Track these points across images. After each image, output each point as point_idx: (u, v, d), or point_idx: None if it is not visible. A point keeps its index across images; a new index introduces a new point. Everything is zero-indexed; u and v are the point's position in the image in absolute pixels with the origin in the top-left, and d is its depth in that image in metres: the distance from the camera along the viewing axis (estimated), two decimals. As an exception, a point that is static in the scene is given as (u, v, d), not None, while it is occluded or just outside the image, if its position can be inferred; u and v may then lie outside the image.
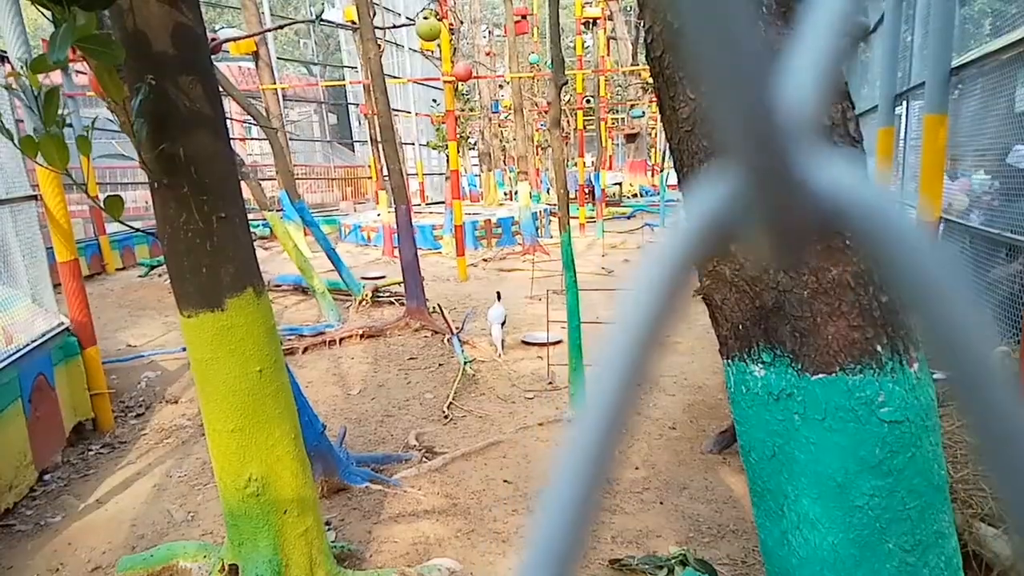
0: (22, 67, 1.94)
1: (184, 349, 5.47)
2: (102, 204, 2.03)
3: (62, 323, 4.32)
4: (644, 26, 1.87)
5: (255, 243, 2.48)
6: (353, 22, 9.94)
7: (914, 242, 0.20)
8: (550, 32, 4.15)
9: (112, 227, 10.97)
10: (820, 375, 1.50)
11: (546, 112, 21.46)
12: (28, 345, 3.86)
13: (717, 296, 1.72)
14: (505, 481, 3.64)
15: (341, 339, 6.34)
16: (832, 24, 0.23)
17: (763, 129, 0.18)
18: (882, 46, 6.24)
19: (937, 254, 0.20)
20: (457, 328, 6.32)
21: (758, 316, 1.63)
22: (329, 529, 3.16)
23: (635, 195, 23.67)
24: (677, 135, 1.81)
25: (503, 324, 6.05)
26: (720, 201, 0.20)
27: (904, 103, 6.18)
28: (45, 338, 4.06)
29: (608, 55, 20.32)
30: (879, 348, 1.46)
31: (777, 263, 1.61)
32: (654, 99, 2.12)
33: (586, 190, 16.67)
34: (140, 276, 10.24)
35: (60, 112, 1.99)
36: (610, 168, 24.12)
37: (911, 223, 0.20)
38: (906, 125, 6.09)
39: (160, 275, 10.02)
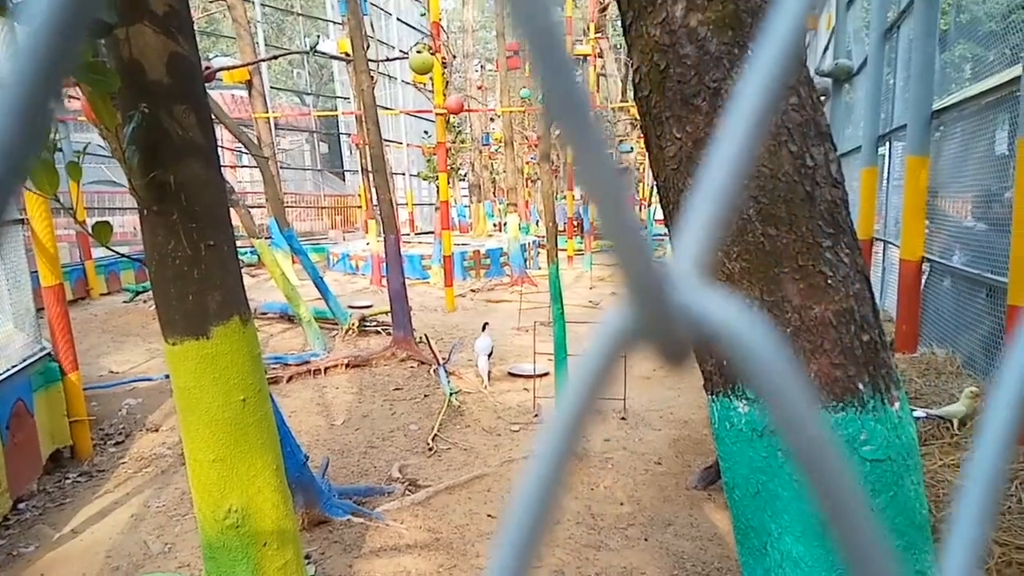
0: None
1: (167, 376, 5.42)
2: (90, 230, 2.03)
3: (44, 348, 4.27)
4: (632, 66, 1.92)
5: (243, 270, 2.48)
6: (347, 54, 10.06)
7: (767, 355, 0.25)
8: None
9: (98, 252, 10.91)
10: (803, 412, 1.51)
11: (536, 145, 21.70)
12: (8, 371, 3.81)
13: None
14: (489, 516, 3.61)
15: (326, 368, 6.30)
16: (718, 193, 0.27)
17: (646, 281, 0.24)
18: (865, 88, 6.39)
19: (780, 361, 0.25)
20: (443, 359, 6.30)
21: (742, 352, 1.64)
22: (309, 563, 3.10)
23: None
24: (664, 172, 1.84)
25: (490, 355, 6.04)
26: (618, 328, 0.25)
27: (887, 144, 6.31)
28: (26, 363, 4.00)
29: (598, 91, 20.63)
30: (861, 386, 1.47)
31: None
32: (643, 136, 2.20)
33: (575, 223, 16.79)
34: (125, 301, 10.16)
35: (52, 137, 2.00)
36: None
37: (765, 341, 0.24)
38: (889, 165, 6.21)
39: (145, 301, 9.94)
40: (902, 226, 4.29)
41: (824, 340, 1.52)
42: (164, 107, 2.00)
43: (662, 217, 1.90)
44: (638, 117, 1.97)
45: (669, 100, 1.70)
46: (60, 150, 2.08)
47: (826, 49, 9.61)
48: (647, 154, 1.99)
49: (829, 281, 1.55)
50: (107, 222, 2.03)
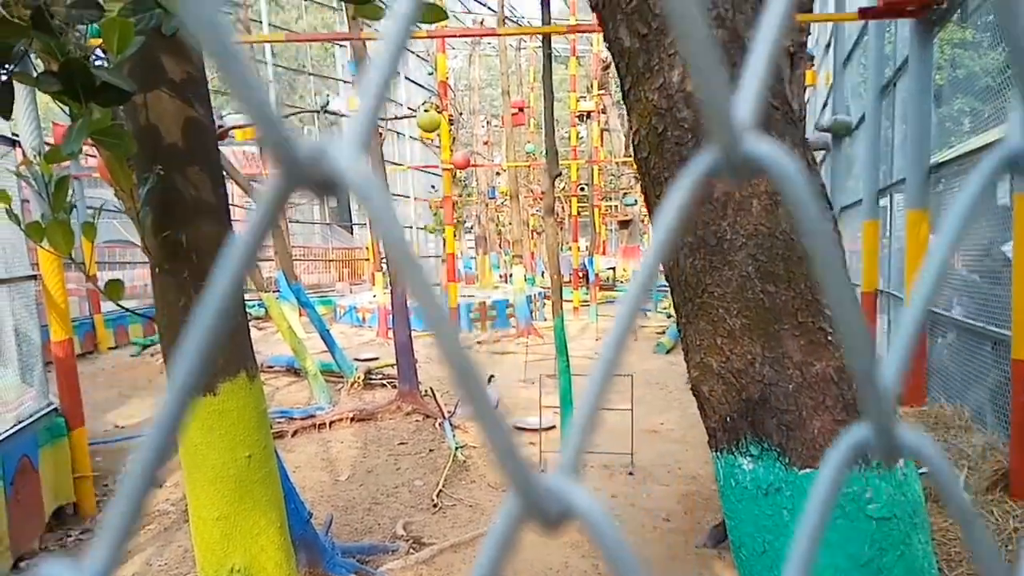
0: (35, 156, 2.03)
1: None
2: (102, 288, 2.07)
3: (51, 403, 4.28)
4: (631, 129, 1.98)
5: (250, 323, 2.51)
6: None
7: (803, 191, 0.31)
8: (545, 126, 4.34)
9: (107, 305, 11.00)
10: (807, 469, 1.51)
11: (541, 199, 21.98)
12: (14, 426, 3.82)
13: (705, 387, 1.75)
14: None
15: (331, 422, 6.27)
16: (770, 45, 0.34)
17: (727, 122, 0.30)
18: (864, 143, 6.49)
19: (813, 193, 0.31)
20: (449, 412, 6.27)
21: (745, 409, 1.65)
22: (311, 623, 3.04)
23: (629, 280, 23.94)
24: (664, 231, 1.87)
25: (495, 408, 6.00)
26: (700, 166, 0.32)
27: (888, 196, 6.39)
28: (32, 419, 4.01)
29: (602, 145, 20.98)
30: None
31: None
32: (643, 195, 2.27)
33: (580, 274, 16.87)
34: (132, 355, 10.19)
35: (68, 199, 2.06)
36: (604, 253, 24.48)
37: (804, 178, 0.30)
38: (891, 217, 6.27)
39: (152, 354, 9.97)
40: (905, 279, 4.31)
41: (826, 396, 1.52)
42: (179, 169, 2.06)
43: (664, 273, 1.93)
44: (638, 176, 2.03)
45: (667, 161, 1.75)
46: (75, 207, 2.14)
47: (825, 105, 9.80)
48: (647, 213, 2.04)
49: (829, 337, 1.57)
50: (119, 281, 2.08)
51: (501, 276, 21.36)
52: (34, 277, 4.40)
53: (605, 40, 1.99)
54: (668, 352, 10.21)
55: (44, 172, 1.91)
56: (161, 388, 6.84)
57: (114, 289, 2.01)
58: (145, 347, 10.40)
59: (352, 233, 23.84)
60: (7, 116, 1.77)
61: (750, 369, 1.62)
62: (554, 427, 5.84)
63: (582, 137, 19.54)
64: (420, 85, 22.94)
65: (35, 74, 1.83)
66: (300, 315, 9.85)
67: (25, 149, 3.68)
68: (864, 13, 4.41)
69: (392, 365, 7.61)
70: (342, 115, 11.54)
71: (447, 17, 1.73)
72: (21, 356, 4.37)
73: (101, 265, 12.78)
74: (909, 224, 4.31)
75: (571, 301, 15.38)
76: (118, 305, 2.19)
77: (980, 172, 0.34)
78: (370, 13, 1.70)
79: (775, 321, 1.61)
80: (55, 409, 4.28)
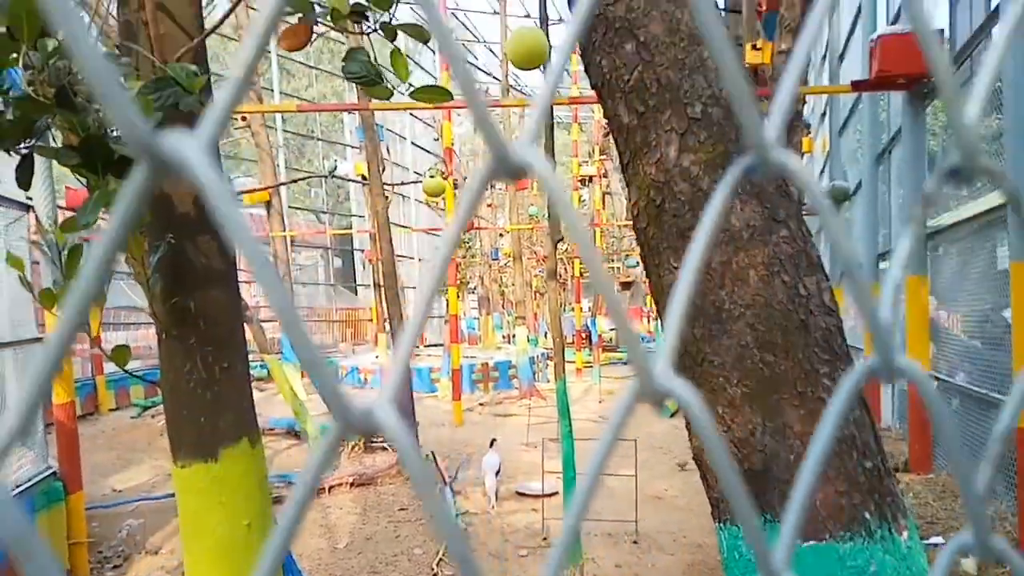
0: (50, 224, 2.08)
1: (169, 496, 5.33)
2: (108, 353, 2.09)
3: (49, 467, 4.24)
4: (631, 200, 2.04)
5: (252, 383, 2.52)
6: (364, 176, 10.54)
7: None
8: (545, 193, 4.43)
9: (109, 366, 10.99)
10: (811, 542, 1.50)
11: (544, 260, 22.16)
12: (11, 492, 3.78)
13: (707, 457, 1.74)
14: (496, 648, 3.44)
15: (330, 488, 6.18)
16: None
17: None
18: (862, 208, 6.59)
19: None
20: (450, 477, 6.19)
21: (747, 479, 1.64)
22: None
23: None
24: (663, 299, 1.91)
25: (498, 473, 5.93)
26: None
27: (888, 261, 6.45)
28: (31, 483, 3.98)
29: (604, 208, 21.28)
30: (867, 515, 1.47)
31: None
32: (642, 263, 2.35)
33: (583, 335, 16.85)
34: (133, 417, 10.13)
35: (78, 264, 2.11)
36: (607, 314, 24.51)
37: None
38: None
39: (153, 416, 9.90)
40: (906, 344, 4.32)
41: (827, 468, 1.52)
42: (189, 237, 2.11)
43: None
44: (638, 244, 2.08)
45: (665, 232, 1.80)
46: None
47: (822, 171, 9.98)
48: (647, 280, 2.08)
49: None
50: (126, 347, 2.10)
51: (504, 337, 21.34)
52: (40, 339, 4.43)
53: (604, 116, 2.06)
54: (672, 415, 10.10)
55: (59, 241, 1.96)
56: (161, 450, 6.81)
57: (121, 355, 2.03)
58: (146, 408, 10.34)
59: (356, 293, 23.97)
60: (27, 187, 1.83)
61: (751, 439, 1.63)
62: (557, 493, 5.74)
63: (584, 200, 19.83)
64: (426, 150, 23.46)
65: (55, 146, 1.90)
66: (302, 376, 9.82)
67: (39, 215, 3.77)
68: (857, 86, 4.55)
69: (394, 428, 7.54)
70: (349, 179, 11.77)
71: (452, 98, 1.81)
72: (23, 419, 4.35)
73: (105, 326, 12.82)
74: (909, 290, 4.34)
75: (574, 362, 15.32)
76: (123, 371, 2.20)
77: (724, 183, 0.39)
78: (379, 94, 1.78)
79: (775, 391, 1.62)
80: (53, 473, 4.25)
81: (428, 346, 19.79)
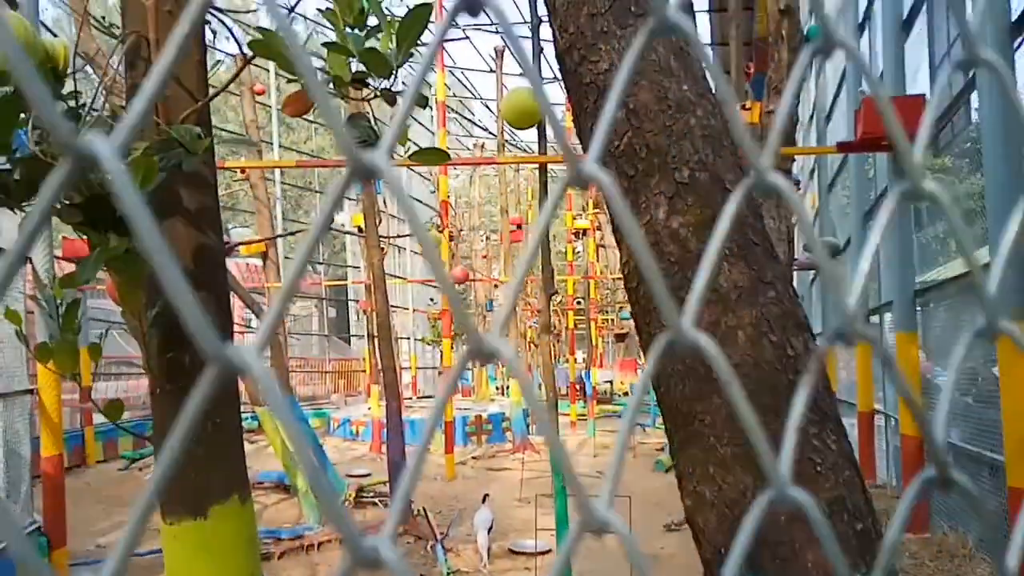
0: (47, 278, 2.11)
1: (156, 552, 5.21)
2: (101, 408, 2.09)
3: (34, 521, 4.17)
4: (621, 260, 2.08)
5: (243, 434, 2.51)
6: (360, 228, 10.66)
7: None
8: (541, 252, 4.50)
9: (98, 417, 10.86)
10: (804, 605, 1.49)
11: (538, 313, 22.20)
12: (-6, 545, 3.70)
13: (699, 518, 1.75)
14: None
15: (319, 544, 6.06)
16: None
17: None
18: (851, 266, 6.68)
19: None
20: (441, 534, 6.08)
21: (739, 540, 1.64)
22: None
23: (626, 393, 23.75)
24: (654, 358, 1.93)
25: (490, 530, 5.83)
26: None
27: (879, 316, 6.50)
28: (13, 538, 3.89)
29: (597, 260, 21.45)
30: (859, 578, 1.46)
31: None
32: (634, 320, 2.41)
33: (577, 387, 16.77)
34: (120, 469, 9.95)
35: (76, 320, 2.13)
36: (601, 366, 24.43)
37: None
38: (882, 337, 6.35)
39: (140, 468, 9.74)
40: (899, 401, 4.32)
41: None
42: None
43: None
44: (629, 303, 2.11)
45: (650, 301, 1.84)
46: (81, 328, 2.20)
47: (813, 226, 10.13)
48: (639, 337, 2.11)
49: (818, 468, 1.59)
50: (119, 401, 2.11)
51: (498, 388, 21.21)
52: (31, 391, 4.40)
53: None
54: (668, 471, 10.00)
55: (57, 295, 1.99)
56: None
57: (114, 410, 2.03)
58: (134, 461, 10.17)
59: (349, 344, 23.89)
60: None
61: (743, 500, 1.63)
62: (550, 550, 5.65)
63: (578, 252, 20.00)
64: (422, 203, 23.73)
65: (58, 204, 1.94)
66: (293, 428, 9.72)
67: (36, 267, 3.79)
68: (842, 147, 4.68)
69: (385, 483, 7.44)
70: (346, 232, 11.89)
71: (449, 159, 1.87)
72: (8, 472, 4.29)
73: (94, 376, 12.71)
74: (898, 346, 4.37)
75: (568, 415, 15.20)
76: (115, 424, 2.20)
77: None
78: (377, 156, 1.84)
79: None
80: (38, 528, 4.17)
81: (422, 397, 19.64)
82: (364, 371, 17.23)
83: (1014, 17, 3.22)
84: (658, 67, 1.95)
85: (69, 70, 1.98)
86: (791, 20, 7.56)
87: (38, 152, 1.81)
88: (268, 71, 15.74)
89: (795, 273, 7.80)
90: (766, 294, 1.78)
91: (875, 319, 6.66)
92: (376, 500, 7.65)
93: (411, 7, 1.64)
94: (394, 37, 1.70)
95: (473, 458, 11.32)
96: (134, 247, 2.26)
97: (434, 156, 1.85)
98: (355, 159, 0.36)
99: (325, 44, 1.73)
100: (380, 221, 8.67)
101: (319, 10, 1.69)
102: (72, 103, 1.95)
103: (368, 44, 1.81)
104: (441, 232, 8.66)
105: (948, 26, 4.83)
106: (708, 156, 1.85)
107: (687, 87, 1.93)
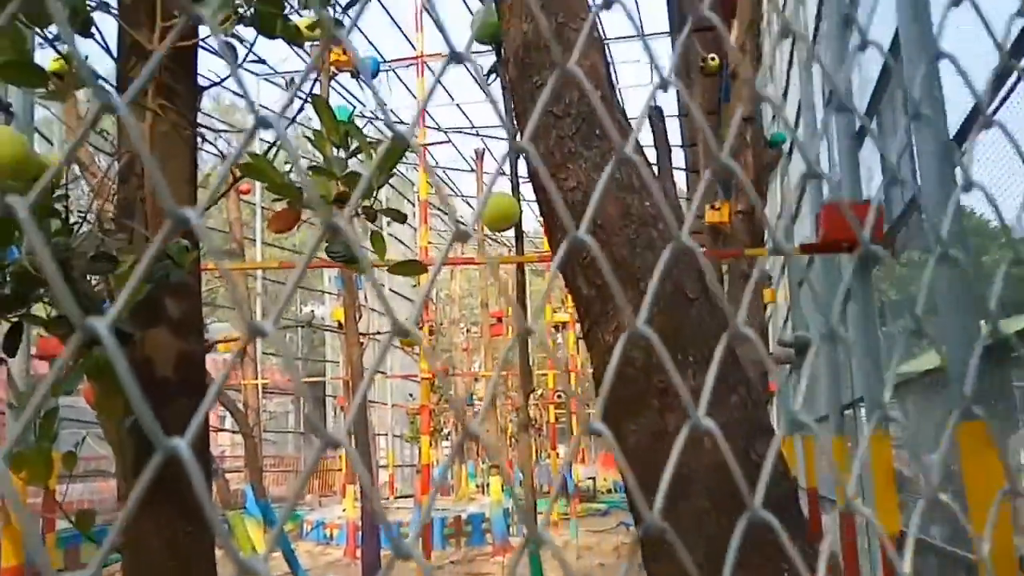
0: (23, 380, 2.13)
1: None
2: (70, 516, 2.07)
3: (-14, 639, 3.95)
4: (592, 364, 2.16)
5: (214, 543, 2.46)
6: (340, 324, 10.68)
7: None
8: (519, 352, 4.57)
9: (62, 523, 10.41)
10: None
11: (518, 409, 22.01)
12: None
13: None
14: None
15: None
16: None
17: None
18: (823, 359, 6.82)
19: None
20: (419, 644, 5.82)
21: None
22: None
23: (609, 491, 23.25)
24: (623, 461, 1.98)
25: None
26: None
27: (853, 410, 6.57)
28: (-37, 657, 3.69)
29: (578, 353, 21.51)
30: None
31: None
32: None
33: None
34: (79, 577, 9.47)
35: (54, 427, 2.13)
36: (583, 462, 24.03)
37: None
38: (857, 431, 6.41)
39: (101, 576, 9.28)
40: (875, 501, 4.34)
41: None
42: (167, 402, 2.17)
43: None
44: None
45: (620, 397, 1.91)
46: (58, 435, 2.20)
47: (786, 320, 10.35)
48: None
49: (785, 575, 1.62)
50: (92, 511, 2.09)
51: (478, 486, 20.68)
52: (-5, 497, 4.27)
53: (566, 287, 2.24)
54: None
55: (40, 405, 2.00)
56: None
57: (85, 521, 2.01)
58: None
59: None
60: (13, 355, 1.91)
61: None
62: (531, 661, 5.41)
63: (559, 344, 20.07)
64: (403, 296, 23.90)
65: (44, 316, 1.99)
66: (264, 531, 9.39)
67: (12, 370, 3.77)
68: (804, 248, 4.89)
69: (359, 589, 7.15)
70: (325, 328, 11.91)
71: (425, 270, 1.96)
72: (-36, 584, 4.10)
73: (61, 477, 12.27)
74: (872, 445, 4.42)
75: (549, 514, 14.82)
76: (86, 536, 2.17)
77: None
78: (359, 269, 1.93)
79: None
80: (-11, 646, 3.95)
81: (399, 497, 19.09)
82: (340, 469, 16.79)
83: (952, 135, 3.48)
84: (622, 184, 2.10)
85: (62, 182, 2.08)
86: (753, 128, 8.02)
87: (28, 267, 1.88)
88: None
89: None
90: (729, 399, 1.86)
91: (850, 412, 6.72)
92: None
93: (390, 137, 1.78)
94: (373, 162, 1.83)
95: (451, 563, 10.94)
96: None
97: (411, 268, 1.95)
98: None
99: (310, 167, 1.86)
100: (360, 316, 8.73)
101: (307, 137, 1.83)
102: (62, 207, 2.03)
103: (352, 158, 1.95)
104: (421, 328, 8.72)
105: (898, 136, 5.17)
106: (670, 267, 1.97)
107: (648, 203, 2.08)
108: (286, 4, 1.99)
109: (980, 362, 0.80)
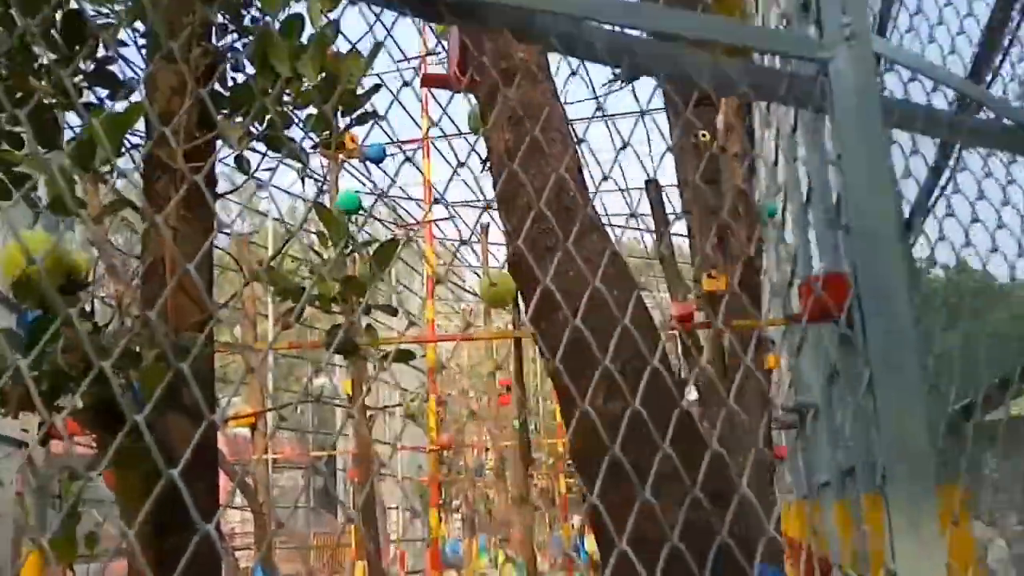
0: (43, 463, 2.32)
1: None
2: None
3: None
4: (568, 436, 2.34)
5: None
6: (349, 396, 10.81)
7: None
8: (520, 426, 4.72)
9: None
10: None
11: (530, 476, 21.74)
12: None
13: None
14: None
15: None
16: None
17: None
18: (824, 425, 6.88)
19: None
20: None
21: None
22: None
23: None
24: (601, 533, 2.14)
25: None
26: None
27: (852, 477, 6.60)
28: None
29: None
30: None
31: None
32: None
33: (571, 558, 16.10)
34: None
35: (77, 508, 2.31)
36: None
37: None
38: (858, 498, 6.41)
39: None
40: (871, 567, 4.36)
41: None
42: (184, 482, 2.34)
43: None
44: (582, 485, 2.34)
45: (595, 476, 2.08)
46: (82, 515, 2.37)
47: (790, 385, 10.40)
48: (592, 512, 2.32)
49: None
50: (94, 533, 2.22)
51: (490, 560, 20.27)
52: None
53: (547, 371, 2.44)
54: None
55: (66, 492, 2.19)
56: None
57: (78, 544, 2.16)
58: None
59: (336, 514, 23.06)
60: (44, 444, 2.10)
61: None
62: None
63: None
64: (414, 367, 24.00)
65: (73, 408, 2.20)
66: (273, 612, 9.29)
67: (33, 454, 3.96)
68: (789, 319, 5.08)
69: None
70: (335, 403, 12.04)
71: (414, 356, 2.17)
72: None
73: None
74: (867, 510, 4.47)
75: (563, 588, 14.52)
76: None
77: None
78: (359, 361, 2.15)
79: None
80: None
81: (409, 573, 18.72)
82: (350, 545, 16.56)
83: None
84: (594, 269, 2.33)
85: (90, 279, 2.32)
86: (747, 200, 8.31)
87: (63, 364, 2.10)
88: (266, 249, 16.60)
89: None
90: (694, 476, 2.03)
91: (850, 479, 6.73)
92: None
93: (383, 242, 2.02)
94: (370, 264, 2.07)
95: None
96: (138, 446, 2.49)
97: (402, 356, 2.16)
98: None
99: (311, 270, 2.10)
100: (369, 390, 8.89)
101: (310, 245, 2.08)
102: (90, 308, 2.26)
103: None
104: (426, 403, 8.88)
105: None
106: (640, 348, 2.17)
107: (617, 292, 2.30)
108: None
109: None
